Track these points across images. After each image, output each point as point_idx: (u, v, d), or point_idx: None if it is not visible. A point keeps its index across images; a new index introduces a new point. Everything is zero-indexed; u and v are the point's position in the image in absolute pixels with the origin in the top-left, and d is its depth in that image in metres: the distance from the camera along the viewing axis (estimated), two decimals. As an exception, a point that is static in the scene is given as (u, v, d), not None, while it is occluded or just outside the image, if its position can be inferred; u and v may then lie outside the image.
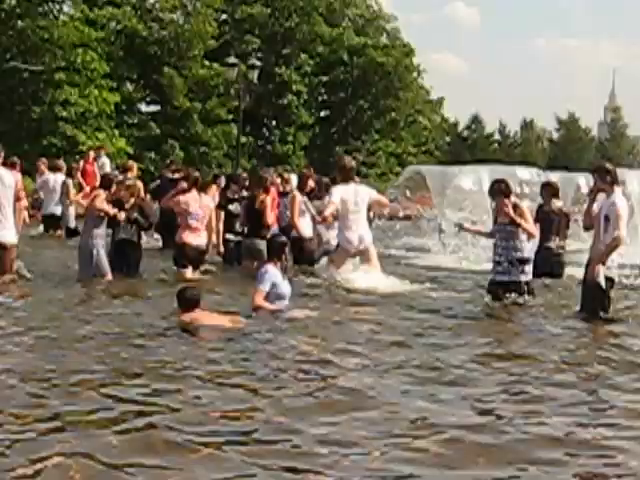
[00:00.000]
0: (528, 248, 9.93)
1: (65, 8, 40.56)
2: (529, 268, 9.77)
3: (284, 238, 9.58)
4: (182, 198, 11.35)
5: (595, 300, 9.01)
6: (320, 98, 49.97)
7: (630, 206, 10.75)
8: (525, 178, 17.79)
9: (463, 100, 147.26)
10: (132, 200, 10.99)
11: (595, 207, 9.27)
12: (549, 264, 11.58)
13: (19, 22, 38.74)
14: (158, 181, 17.69)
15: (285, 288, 8.47)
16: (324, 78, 48.41)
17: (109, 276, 10.19)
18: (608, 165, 9.74)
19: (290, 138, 46.23)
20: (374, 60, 48.01)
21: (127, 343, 6.96)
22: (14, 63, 38.88)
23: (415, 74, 52.34)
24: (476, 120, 68.21)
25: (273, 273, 8.36)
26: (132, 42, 40.93)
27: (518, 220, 9.53)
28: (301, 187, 12.86)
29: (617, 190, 9.12)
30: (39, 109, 37.77)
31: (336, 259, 11.03)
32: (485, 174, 15.79)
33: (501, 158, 48.25)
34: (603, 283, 8.83)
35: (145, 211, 11.18)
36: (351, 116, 49.37)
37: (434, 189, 18.29)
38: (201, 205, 11.12)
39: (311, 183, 12.80)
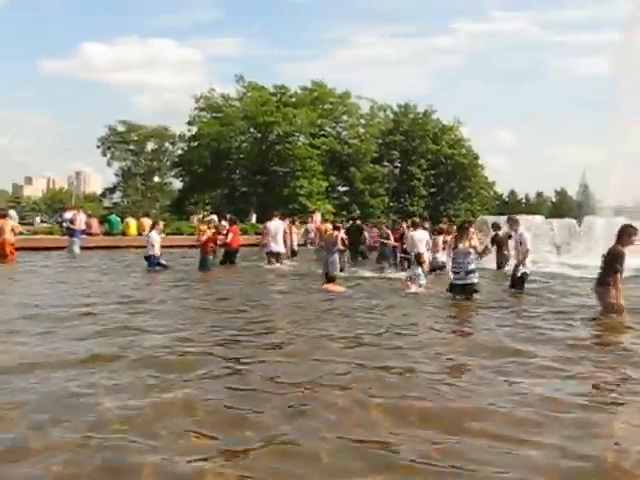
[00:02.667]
0: (474, 262, 13.21)
1: (301, 138, 63.67)
2: (476, 274, 13.21)
3: None
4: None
5: (517, 283, 14.23)
6: (430, 181, 71.49)
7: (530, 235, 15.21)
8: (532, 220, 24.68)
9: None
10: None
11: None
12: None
13: (277, 146, 61.96)
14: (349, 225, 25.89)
15: None
16: (432, 171, 70.85)
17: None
18: (513, 216, 15.80)
19: (416, 203, 68.36)
20: (458, 162, 71.16)
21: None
22: (275, 168, 62.13)
23: (480, 169, 74.20)
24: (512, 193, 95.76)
25: None
26: (334, 155, 65.37)
27: (475, 245, 13.49)
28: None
29: (521, 228, 14.69)
30: (287, 190, 60.19)
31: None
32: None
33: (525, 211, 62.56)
34: (519, 274, 14.08)
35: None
36: (448, 190, 72.34)
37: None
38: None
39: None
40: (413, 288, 14.44)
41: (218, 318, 10.75)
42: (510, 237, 17.66)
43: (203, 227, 20.71)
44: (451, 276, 13.50)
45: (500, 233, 20.29)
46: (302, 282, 16.89)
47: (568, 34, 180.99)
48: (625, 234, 11.11)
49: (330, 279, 15.41)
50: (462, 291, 13.14)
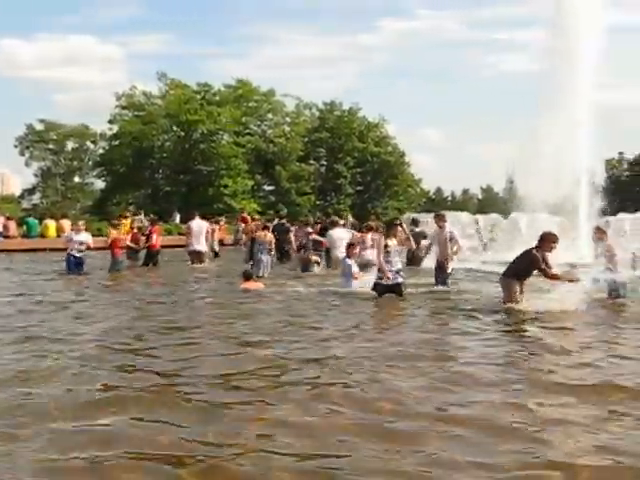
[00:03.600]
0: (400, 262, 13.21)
1: (225, 137, 63.03)
2: (402, 274, 13.33)
3: None
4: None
5: (444, 280, 14.73)
6: (357, 179, 71.48)
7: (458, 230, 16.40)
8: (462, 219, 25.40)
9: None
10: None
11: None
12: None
13: (201, 145, 60.67)
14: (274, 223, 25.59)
15: None
16: (359, 169, 70.65)
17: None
18: (440, 212, 16.53)
19: (342, 201, 68.09)
20: (385, 160, 71.42)
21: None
22: (199, 167, 60.79)
23: (406, 166, 74.83)
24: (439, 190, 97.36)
25: None
26: (259, 153, 64.56)
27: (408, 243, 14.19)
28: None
29: (447, 225, 15.21)
30: (212, 190, 59.31)
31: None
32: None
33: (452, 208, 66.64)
34: (449, 270, 14.66)
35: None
36: (375, 188, 72.37)
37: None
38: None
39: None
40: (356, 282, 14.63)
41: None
42: (425, 237, 18.06)
43: (113, 228, 20.84)
44: (376, 275, 13.39)
45: (417, 229, 20.40)
46: (221, 282, 16.98)
47: (493, 32, 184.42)
48: (546, 241, 11.77)
49: (247, 277, 15.38)
50: (389, 290, 13.05)
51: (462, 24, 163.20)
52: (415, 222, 21.25)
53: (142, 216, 33.95)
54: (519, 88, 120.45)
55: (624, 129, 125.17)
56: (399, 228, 13.66)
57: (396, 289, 13.19)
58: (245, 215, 36.47)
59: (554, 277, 11.79)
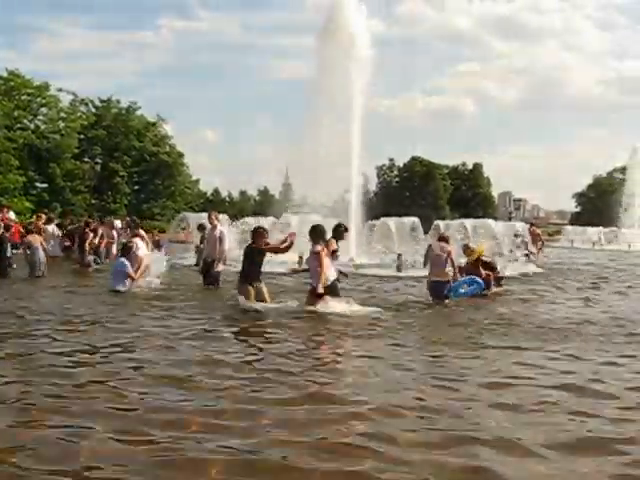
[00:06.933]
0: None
1: None
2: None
3: None
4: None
5: (215, 280, 15.89)
6: (134, 179, 72.23)
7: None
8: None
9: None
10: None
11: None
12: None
13: None
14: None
15: None
16: (136, 168, 71.49)
17: None
18: (212, 211, 17.72)
19: (119, 200, 68.77)
20: (162, 160, 71.99)
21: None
22: None
23: (185, 168, 76.80)
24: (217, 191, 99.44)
25: None
26: (31, 149, 62.63)
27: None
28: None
29: (219, 225, 16.81)
30: None
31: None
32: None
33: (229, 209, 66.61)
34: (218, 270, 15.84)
35: None
36: (152, 188, 72.88)
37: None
38: None
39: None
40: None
41: None
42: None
43: None
44: None
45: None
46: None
47: (270, 37, 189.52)
48: (257, 234, 12.78)
49: None
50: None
51: (241, 27, 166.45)
52: (202, 227, 21.14)
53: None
54: (295, 93, 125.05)
55: (395, 136, 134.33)
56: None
57: None
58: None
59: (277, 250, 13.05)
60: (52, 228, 24.34)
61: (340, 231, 13.13)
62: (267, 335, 10.09)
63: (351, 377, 7.68)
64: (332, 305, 11.86)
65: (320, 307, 11.84)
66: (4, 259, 18.33)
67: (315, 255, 11.90)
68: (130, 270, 15.22)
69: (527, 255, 25.09)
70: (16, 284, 16.75)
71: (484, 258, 16.70)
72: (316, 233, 12.32)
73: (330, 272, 12.08)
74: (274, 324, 10.90)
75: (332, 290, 12.10)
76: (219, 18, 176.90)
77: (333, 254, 12.53)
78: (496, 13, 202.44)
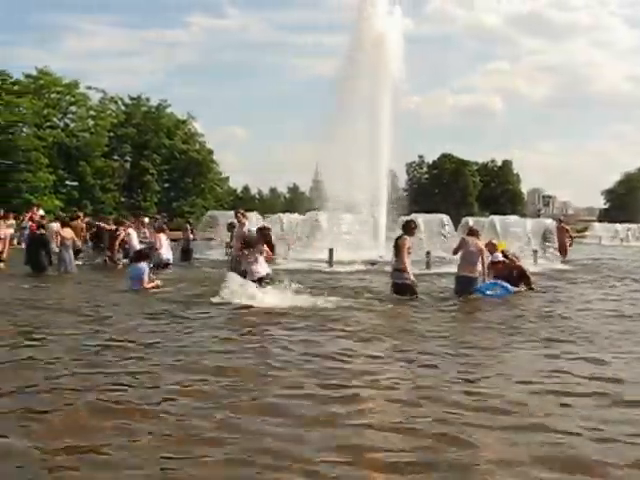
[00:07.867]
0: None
1: (25, 129, 61.10)
2: None
3: None
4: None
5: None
6: (164, 177, 71.42)
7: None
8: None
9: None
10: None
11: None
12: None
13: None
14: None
15: None
16: (166, 166, 70.50)
17: None
18: (240, 209, 18.12)
19: (148, 198, 67.63)
20: (192, 157, 71.14)
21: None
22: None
23: (215, 165, 75.61)
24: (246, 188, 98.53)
25: None
26: (60, 148, 62.36)
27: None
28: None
29: (247, 222, 17.11)
30: (11, 184, 57.08)
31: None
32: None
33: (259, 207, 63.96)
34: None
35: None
36: (182, 186, 71.76)
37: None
38: None
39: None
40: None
41: None
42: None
43: None
44: None
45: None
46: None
47: (301, 36, 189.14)
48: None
49: None
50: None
51: (271, 25, 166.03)
52: (232, 226, 20.83)
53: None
54: (325, 91, 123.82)
55: (425, 134, 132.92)
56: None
57: None
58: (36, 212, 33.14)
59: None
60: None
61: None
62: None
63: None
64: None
65: None
66: (48, 256, 18.70)
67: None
68: (146, 277, 14.79)
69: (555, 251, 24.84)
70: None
71: (508, 254, 16.26)
72: (405, 228, 13.70)
73: None
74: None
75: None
76: (248, 16, 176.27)
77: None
78: (525, 10, 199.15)
